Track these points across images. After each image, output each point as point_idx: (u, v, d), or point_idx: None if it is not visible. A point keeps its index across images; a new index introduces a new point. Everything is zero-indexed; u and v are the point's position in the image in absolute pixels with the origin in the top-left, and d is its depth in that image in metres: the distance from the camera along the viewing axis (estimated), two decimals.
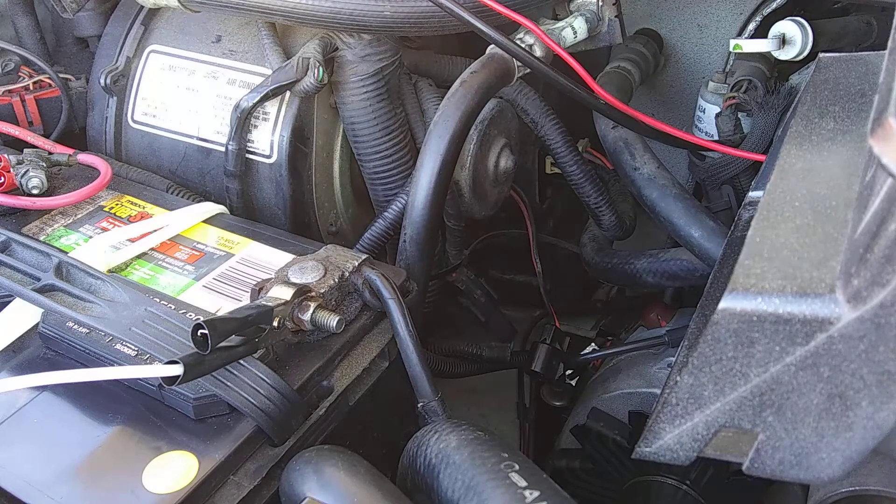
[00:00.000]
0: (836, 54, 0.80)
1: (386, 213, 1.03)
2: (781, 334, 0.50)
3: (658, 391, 1.02)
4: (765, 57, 1.07)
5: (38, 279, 0.79)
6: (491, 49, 0.95)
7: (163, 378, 0.62)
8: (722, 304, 0.51)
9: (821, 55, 0.81)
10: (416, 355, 0.76)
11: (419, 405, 0.77)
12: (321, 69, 0.96)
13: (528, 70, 0.96)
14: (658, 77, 1.24)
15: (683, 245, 1.00)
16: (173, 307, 0.78)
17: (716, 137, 1.09)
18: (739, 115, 1.06)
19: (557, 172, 1.22)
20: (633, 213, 1.23)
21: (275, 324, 0.70)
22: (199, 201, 0.99)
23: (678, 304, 1.22)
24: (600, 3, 1.01)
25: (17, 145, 1.07)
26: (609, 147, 1.07)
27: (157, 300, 0.78)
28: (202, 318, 0.63)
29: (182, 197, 1.02)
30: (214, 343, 0.63)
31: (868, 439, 0.52)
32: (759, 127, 1.02)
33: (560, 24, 0.99)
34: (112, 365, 0.72)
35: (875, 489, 0.72)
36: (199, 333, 0.63)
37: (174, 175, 1.09)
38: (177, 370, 0.61)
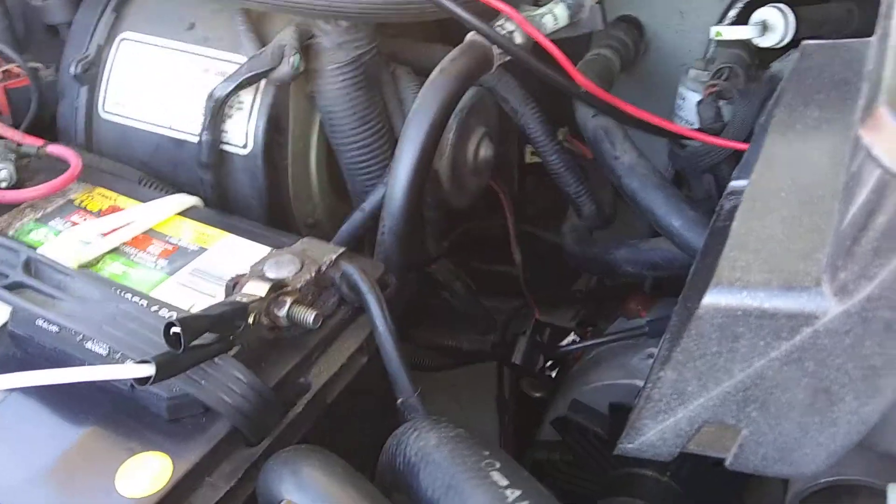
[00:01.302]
0: (821, 41, 0.79)
1: (364, 205, 1.01)
2: (766, 329, 0.50)
3: (638, 382, 1.01)
4: (746, 44, 1.06)
5: (7, 276, 0.77)
6: (470, 36, 0.94)
7: (135, 378, 0.60)
8: (706, 299, 0.50)
9: (805, 42, 0.80)
10: (396, 350, 0.75)
11: (399, 401, 0.76)
12: (297, 56, 0.94)
13: (509, 57, 0.94)
14: (638, 65, 1.23)
15: (664, 234, 0.99)
16: (146, 304, 0.76)
17: (697, 125, 1.08)
18: (721, 102, 1.05)
19: (537, 162, 1.21)
20: (612, 203, 1.22)
21: (250, 320, 0.68)
22: (172, 193, 0.97)
23: (658, 294, 1.22)
24: None
25: None
26: (589, 136, 1.06)
27: (130, 297, 0.76)
28: (175, 316, 0.61)
29: (155, 189, 0.99)
30: (187, 342, 0.62)
31: (852, 434, 0.52)
32: (739, 115, 1.01)
33: (541, 10, 0.98)
34: (83, 364, 0.70)
35: (855, 478, 0.72)
36: (171, 332, 0.61)
37: (147, 167, 1.06)
38: (149, 370, 0.60)
